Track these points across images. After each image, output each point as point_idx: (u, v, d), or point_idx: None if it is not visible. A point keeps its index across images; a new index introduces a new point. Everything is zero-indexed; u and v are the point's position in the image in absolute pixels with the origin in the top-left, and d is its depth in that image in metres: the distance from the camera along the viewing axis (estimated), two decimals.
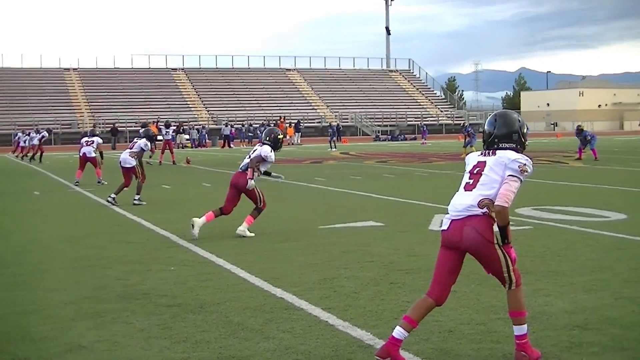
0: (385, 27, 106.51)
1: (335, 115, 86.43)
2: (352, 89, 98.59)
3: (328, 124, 73.90)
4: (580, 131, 34.81)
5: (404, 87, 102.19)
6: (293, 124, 70.09)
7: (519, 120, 6.10)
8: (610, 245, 11.17)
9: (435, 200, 17.28)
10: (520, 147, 6.03)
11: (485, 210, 5.82)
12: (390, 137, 77.48)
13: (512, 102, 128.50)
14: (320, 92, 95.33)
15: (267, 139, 13.16)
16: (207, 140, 67.43)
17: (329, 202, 17.96)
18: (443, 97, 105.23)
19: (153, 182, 22.32)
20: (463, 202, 5.93)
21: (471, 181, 5.99)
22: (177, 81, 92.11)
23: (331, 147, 54.24)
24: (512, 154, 5.88)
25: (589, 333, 6.71)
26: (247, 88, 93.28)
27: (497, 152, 5.96)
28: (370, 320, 7.23)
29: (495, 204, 5.76)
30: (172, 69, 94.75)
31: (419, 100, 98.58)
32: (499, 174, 5.84)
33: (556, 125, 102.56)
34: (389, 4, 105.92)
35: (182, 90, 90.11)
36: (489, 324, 6.99)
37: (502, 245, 5.87)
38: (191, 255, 11.10)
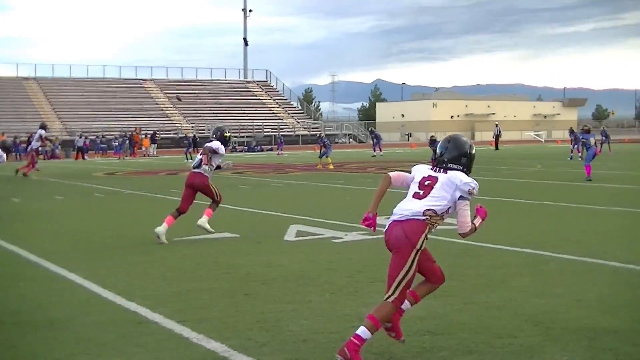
0: (243, 38, 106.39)
1: (192, 126, 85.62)
2: (209, 99, 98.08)
3: (184, 135, 73.19)
4: (433, 141, 35.64)
5: (261, 98, 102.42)
6: (149, 135, 69.15)
7: (470, 145, 6.62)
8: (460, 252, 11.48)
9: (291, 211, 17.42)
10: (466, 170, 6.51)
11: (427, 218, 6.26)
12: (246, 147, 77.55)
13: (368, 113, 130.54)
14: (177, 103, 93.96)
15: (214, 136, 14.02)
16: (59, 152, 65.52)
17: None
18: (300, 108, 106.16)
19: (1, 195, 21.58)
20: (410, 208, 6.32)
21: (421, 192, 6.41)
22: (28, 91, 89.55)
23: (187, 159, 53.70)
24: (463, 177, 6.39)
25: (439, 338, 6.89)
26: (102, 98, 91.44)
27: (449, 171, 6.43)
28: (225, 332, 7.17)
29: (459, 232, 6.37)
30: (24, 78, 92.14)
31: (275, 111, 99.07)
32: (449, 192, 6.33)
33: (410, 136, 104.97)
34: (247, 15, 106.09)
35: (33, 100, 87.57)
36: (343, 332, 7.03)
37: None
38: (41, 270, 10.79)
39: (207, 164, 13.81)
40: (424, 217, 6.26)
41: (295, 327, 7.18)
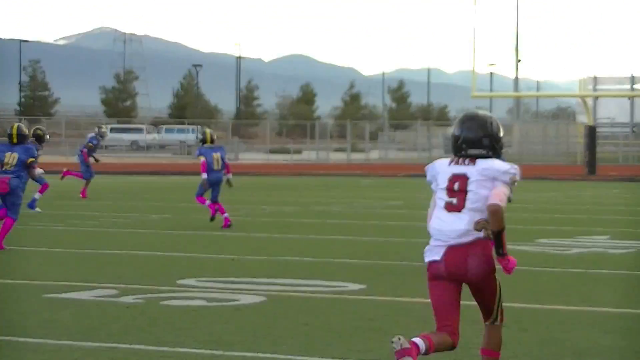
0: None
1: None
2: None
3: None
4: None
5: None
6: None
7: (492, 123, 6.51)
8: None
9: None
10: (492, 153, 6.42)
11: (483, 233, 6.29)
12: None
13: None
14: None
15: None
16: None
17: None
18: None
19: None
20: (455, 228, 6.37)
21: (454, 200, 6.42)
22: None
23: None
24: (500, 165, 6.34)
25: None
26: None
27: (479, 161, 6.39)
28: None
29: (489, 202, 6.23)
30: None
31: None
32: (488, 188, 6.30)
33: None
34: None
35: None
36: None
37: (497, 257, 6.36)
38: None
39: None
40: (483, 235, 6.33)
41: None
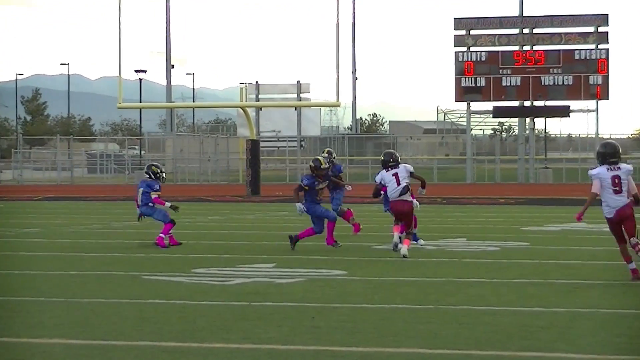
0: None
1: None
2: None
3: None
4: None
5: None
6: None
7: (617, 145, 15.11)
8: None
9: None
10: (619, 160, 14.72)
11: (630, 201, 14.46)
12: None
13: None
14: None
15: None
16: None
17: None
18: None
19: None
20: (622, 200, 14.41)
21: (617, 188, 14.36)
22: None
23: None
24: (629, 167, 14.78)
25: None
26: None
27: (620, 166, 14.57)
28: None
29: (632, 194, 14.64)
30: None
31: None
32: (627, 180, 14.60)
33: None
34: None
35: None
36: None
37: None
38: None
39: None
40: (629, 200, 14.56)
41: None
